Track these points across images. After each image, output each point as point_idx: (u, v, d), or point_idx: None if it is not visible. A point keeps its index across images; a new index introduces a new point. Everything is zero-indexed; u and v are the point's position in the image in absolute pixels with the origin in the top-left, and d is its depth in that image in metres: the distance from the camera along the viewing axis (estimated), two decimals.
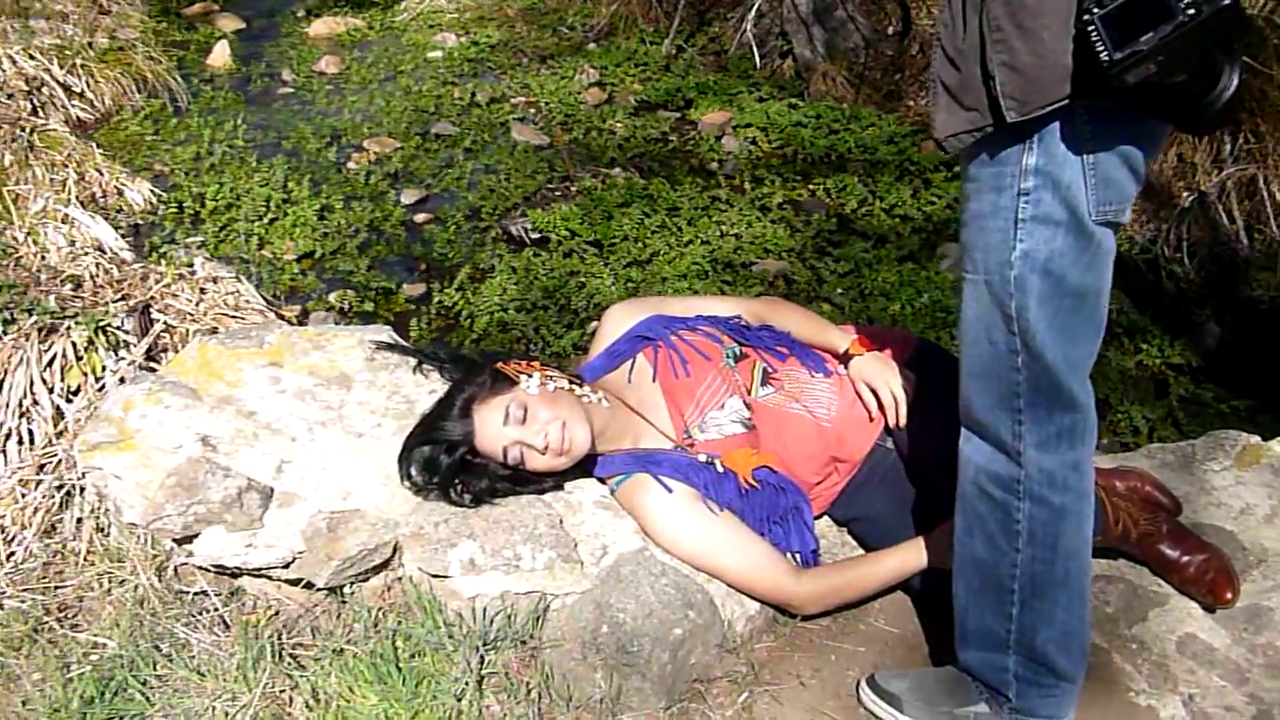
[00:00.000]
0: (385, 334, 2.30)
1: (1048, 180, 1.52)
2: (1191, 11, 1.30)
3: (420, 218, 4.67)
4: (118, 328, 2.71)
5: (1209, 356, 3.87)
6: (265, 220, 4.56)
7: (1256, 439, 2.46)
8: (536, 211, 4.57)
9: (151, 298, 3.61)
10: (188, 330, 3.50)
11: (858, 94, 5.66)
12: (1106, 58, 1.36)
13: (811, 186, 4.84)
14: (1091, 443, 1.68)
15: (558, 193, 4.81)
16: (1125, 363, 3.79)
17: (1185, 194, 4.44)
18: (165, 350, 3.10)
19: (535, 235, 4.45)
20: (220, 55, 6.44)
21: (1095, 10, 1.37)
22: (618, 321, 2.14)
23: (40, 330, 3.10)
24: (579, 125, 5.46)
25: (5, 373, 2.54)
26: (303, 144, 5.30)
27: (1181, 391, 3.67)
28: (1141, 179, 1.57)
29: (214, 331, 3.75)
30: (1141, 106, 1.46)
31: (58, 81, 5.51)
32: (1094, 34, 1.37)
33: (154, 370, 2.50)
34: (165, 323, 3.44)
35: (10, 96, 5.16)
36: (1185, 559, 2.06)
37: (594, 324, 3.89)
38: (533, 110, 5.65)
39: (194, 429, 2.00)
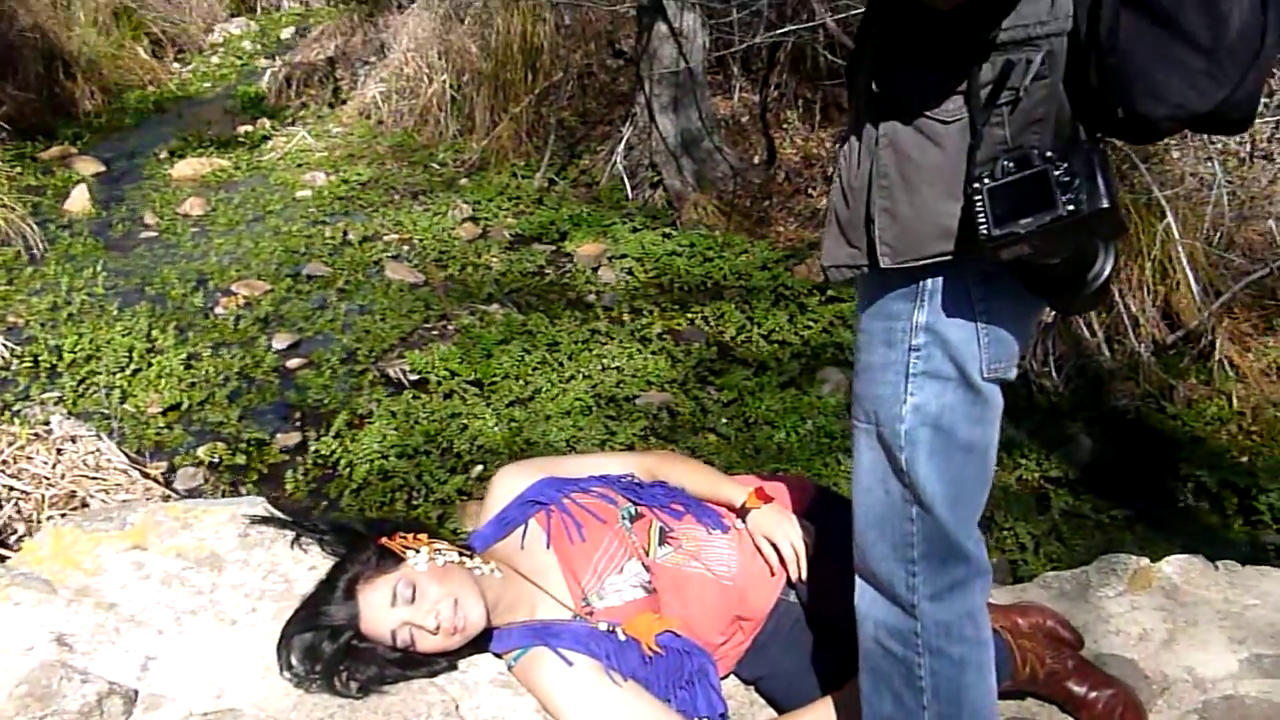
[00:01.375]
0: (259, 506, 2.17)
1: (937, 337, 1.53)
2: (1071, 208, 1.34)
3: (293, 363, 4.53)
4: None
5: (1084, 468, 3.97)
6: (128, 371, 4.38)
7: (1146, 561, 2.49)
8: (414, 352, 4.49)
9: (2, 463, 3.40)
10: (43, 496, 3.30)
11: (729, 221, 5.76)
12: (985, 231, 1.39)
13: (690, 315, 4.87)
14: (985, 591, 1.67)
15: (435, 332, 4.74)
16: (1006, 479, 3.86)
17: (1048, 310, 4.61)
18: (17, 525, 2.91)
19: (414, 377, 4.36)
20: (79, 200, 6.25)
21: (986, 181, 1.40)
22: (507, 486, 2.06)
23: None
24: (454, 261, 5.42)
25: None
26: (167, 290, 5.14)
27: (1062, 505, 3.74)
28: (1030, 336, 1.59)
29: (72, 495, 3.56)
30: (1018, 279, 1.49)
31: None
32: (979, 203, 1.39)
33: (2, 556, 2.32)
34: (20, 491, 3.24)
35: None
36: (1093, 695, 2.04)
37: (478, 467, 3.81)
38: (406, 248, 5.60)
39: (47, 627, 1.83)
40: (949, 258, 1.49)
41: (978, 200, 1.39)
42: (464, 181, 6.48)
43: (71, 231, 5.87)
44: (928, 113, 1.46)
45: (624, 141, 6.19)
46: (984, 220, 1.38)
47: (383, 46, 8.27)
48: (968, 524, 1.61)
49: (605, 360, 4.47)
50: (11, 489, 3.25)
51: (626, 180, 6.11)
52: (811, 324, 4.77)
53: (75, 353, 4.49)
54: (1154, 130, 1.40)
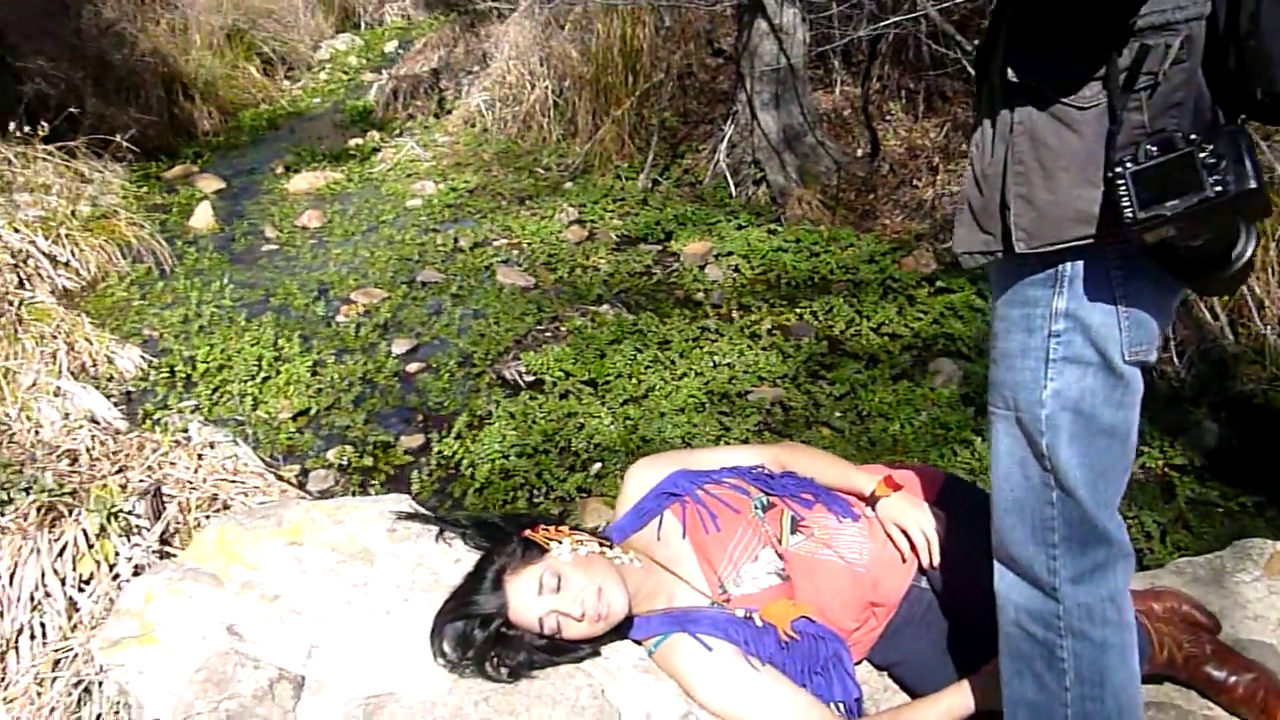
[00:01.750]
0: (405, 503, 2.27)
1: (1078, 322, 1.54)
2: (1219, 189, 1.34)
3: (413, 367, 4.68)
4: (129, 512, 2.67)
5: (1210, 455, 3.88)
6: (258, 379, 4.56)
7: None
8: (529, 354, 4.59)
9: (149, 468, 3.59)
10: (188, 499, 3.47)
11: (834, 216, 5.76)
12: (1130, 214, 1.40)
13: (798, 310, 4.90)
14: (1127, 574, 1.67)
15: (548, 333, 4.84)
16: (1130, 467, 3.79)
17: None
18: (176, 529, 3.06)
19: (529, 378, 4.47)
20: (202, 216, 6.52)
21: (1128, 165, 1.41)
22: (641, 479, 2.13)
23: (39, 509, 3.07)
24: (563, 264, 5.52)
25: (15, 565, 2.50)
26: (290, 300, 5.34)
27: (1188, 492, 3.68)
28: (1169, 318, 1.60)
29: (214, 499, 3.73)
30: (1158, 262, 1.50)
31: (43, 253, 5.55)
32: (1122, 187, 1.41)
33: (168, 553, 2.46)
34: (167, 495, 3.41)
35: None
36: (1233, 679, 2.03)
37: (596, 465, 3.89)
38: (516, 252, 5.73)
39: (218, 617, 1.95)
40: (1087, 242, 1.51)
41: (1120, 184, 1.41)
42: (569, 185, 6.59)
43: (197, 247, 6.12)
44: (1064, 99, 1.48)
45: (726, 139, 6.22)
46: (1128, 204, 1.40)
47: (485, 56, 8.45)
48: (1109, 507, 1.62)
49: (716, 357, 4.52)
50: (170, 502, 3.42)
51: (730, 178, 6.15)
52: (921, 316, 4.75)
53: (208, 363, 4.70)
54: None
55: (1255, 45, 1.35)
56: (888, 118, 6.51)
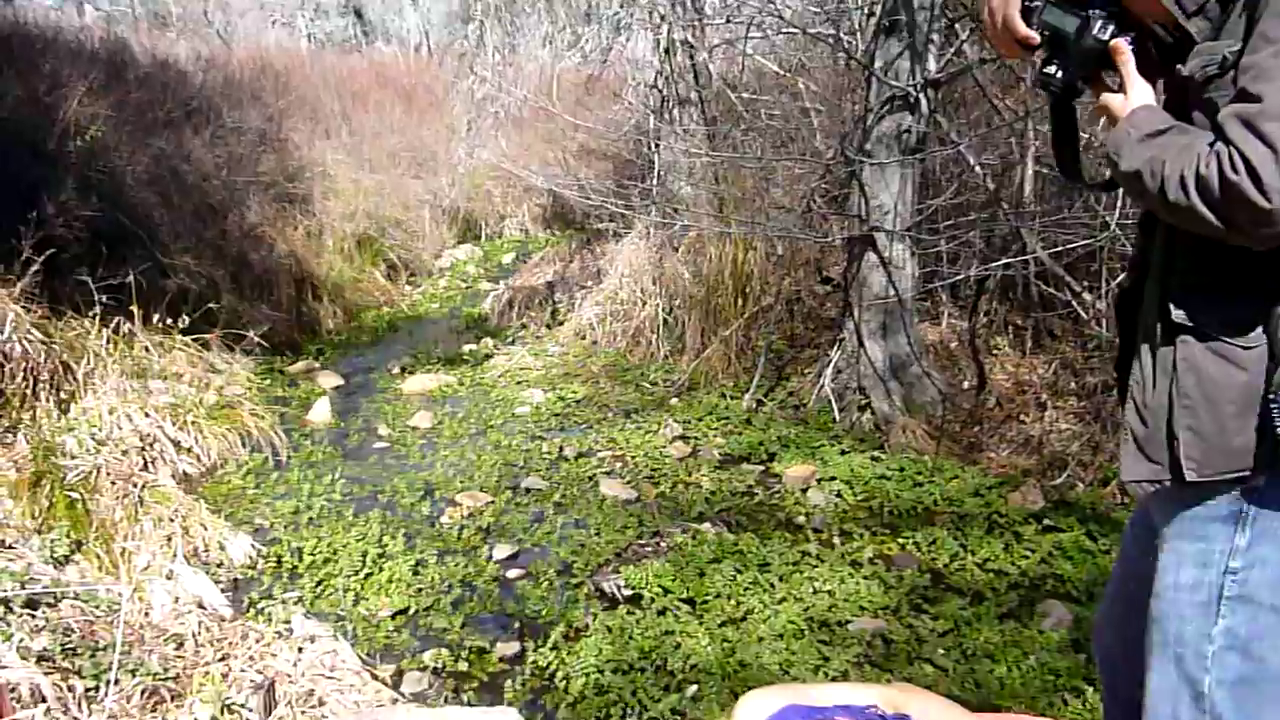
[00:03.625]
0: (511, 715, 2.27)
1: (1256, 560, 1.56)
2: None
3: (513, 573, 4.70)
4: (242, 705, 2.70)
5: None
6: (361, 575, 4.62)
7: None
8: (628, 568, 4.59)
9: (251, 658, 3.63)
10: (287, 693, 3.49)
11: (938, 447, 5.75)
12: None
13: (901, 540, 4.83)
14: None
15: (648, 548, 4.85)
16: None
17: None
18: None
19: (628, 592, 4.45)
20: (321, 411, 6.77)
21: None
22: (753, 710, 2.10)
23: (144, 692, 3.12)
24: (665, 479, 5.57)
25: None
26: (397, 497, 5.46)
27: None
28: None
29: (310, 693, 3.74)
30: None
31: (169, 438, 5.80)
32: (1276, 414, 1.47)
33: None
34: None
35: (125, 453, 5.42)
36: None
37: (691, 687, 3.82)
38: (619, 464, 5.80)
39: None
40: (1256, 475, 1.55)
41: (1275, 410, 1.47)
42: (674, 401, 6.71)
43: (313, 440, 6.34)
44: (1228, 339, 1.56)
45: (832, 365, 6.31)
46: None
47: (599, 272, 8.79)
48: None
49: (816, 583, 4.46)
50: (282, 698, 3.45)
51: (834, 403, 6.20)
52: (1029, 554, 4.65)
53: (314, 555, 4.79)
54: None
55: None
56: (995, 352, 6.56)
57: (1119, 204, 5.33)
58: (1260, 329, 1.57)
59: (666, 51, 8.34)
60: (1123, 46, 1.73)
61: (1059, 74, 1.82)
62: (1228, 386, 1.59)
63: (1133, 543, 2.01)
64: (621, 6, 9.31)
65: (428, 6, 27.62)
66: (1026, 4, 1.81)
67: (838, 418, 6.17)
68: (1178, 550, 1.65)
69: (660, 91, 8.62)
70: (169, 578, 4.43)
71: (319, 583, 4.58)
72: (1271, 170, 1.41)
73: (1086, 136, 3.96)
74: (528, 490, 5.53)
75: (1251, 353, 1.57)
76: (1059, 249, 5.65)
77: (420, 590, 4.54)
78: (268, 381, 7.38)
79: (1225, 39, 1.58)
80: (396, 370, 7.82)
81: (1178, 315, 1.66)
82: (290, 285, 8.91)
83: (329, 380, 7.57)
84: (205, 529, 4.91)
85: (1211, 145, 1.50)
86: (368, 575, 4.64)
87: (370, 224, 10.81)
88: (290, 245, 9.25)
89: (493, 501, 5.38)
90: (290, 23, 29.79)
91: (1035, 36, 1.81)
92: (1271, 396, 1.52)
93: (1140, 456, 1.70)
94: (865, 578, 4.52)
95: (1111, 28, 1.74)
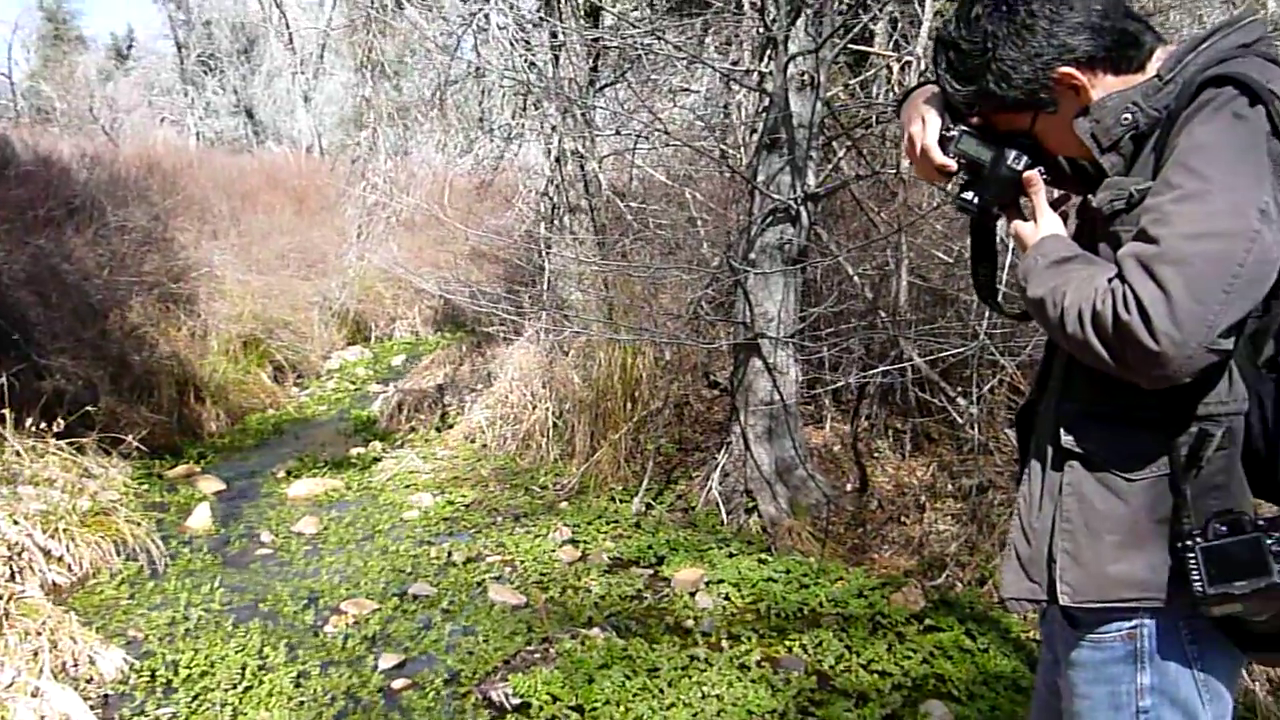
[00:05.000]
0: None
1: (1164, 697, 1.63)
2: None
3: (398, 684, 4.61)
4: None
5: None
6: (240, 689, 4.48)
7: None
8: (517, 676, 4.55)
9: None
10: None
11: (824, 548, 5.86)
12: (1200, 589, 1.53)
13: (788, 643, 4.89)
14: None
15: (537, 655, 4.81)
16: None
17: None
18: None
19: (516, 701, 4.40)
20: (201, 517, 6.60)
21: (1198, 540, 1.55)
22: None
23: None
24: (555, 584, 5.56)
25: None
26: (280, 606, 5.33)
27: None
28: (1236, 687, 1.69)
29: None
30: (1222, 631, 1.62)
31: (39, 546, 5.58)
32: (1192, 561, 1.54)
33: None
34: None
35: None
36: None
37: None
38: (509, 569, 5.77)
39: None
40: (1135, 604, 1.63)
41: (1190, 558, 1.54)
42: (564, 505, 6.72)
43: (192, 547, 6.17)
44: (1115, 470, 1.65)
45: (719, 468, 6.41)
46: (1198, 578, 1.53)
47: (489, 375, 8.82)
48: None
49: (705, 688, 4.48)
50: None
51: (722, 506, 6.29)
52: (911, 654, 4.75)
53: (191, 668, 4.64)
54: None
55: None
56: (876, 455, 6.75)
57: (988, 314, 5.59)
58: (1152, 463, 1.63)
59: (557, 160, 8.54)
60: (1035, 178, 1.81)
61: (975, 200, 1.90)
62: (1109, 516, 1.65)
63: (1048, 649, 2.04)
64: (514, 116, 9.51)
65: (320, 108, 27.73)
66: (944, 133, 1.88)
67: (725, 520, 6.25)
68: (1090, 696, 1.71)
69: (551, 199, 8.80)
70: (35, 695, 4.25)
71: (195, 697, 4.43)
72: (1163, 313, 1.45)
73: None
74: (415, 597, 5.45)
75: (1135, 485, 1.63)
76: (934, 357, 5.89)
77: (302, 704, 4.42)
78: (146, 487, 7.18)
79: (1135, 176, 1.67)
80: (281, 474, 7.69)
81: (1067, 441, 1.72)
82: (172, 387, 8.73)
83: (210, 485, 7.40)
84: (75, 642, 4.72)
85: (1110, 281, 1.55)
86: (247, 689, 4.50)
87: (257, 325, 10.69)
88: (173, 346, 9.09)
89: (379, 609, 5.29)
90: (179, 121, 29.58)
91: (952, 164, 1.87)
92: (1183, 545, 1.56)
93: (1021, 574, 1.77)
94: (753, 681, 4.55)
95: (1025, 159, 1.82)
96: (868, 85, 7.07)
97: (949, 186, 1.96)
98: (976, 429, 5.82)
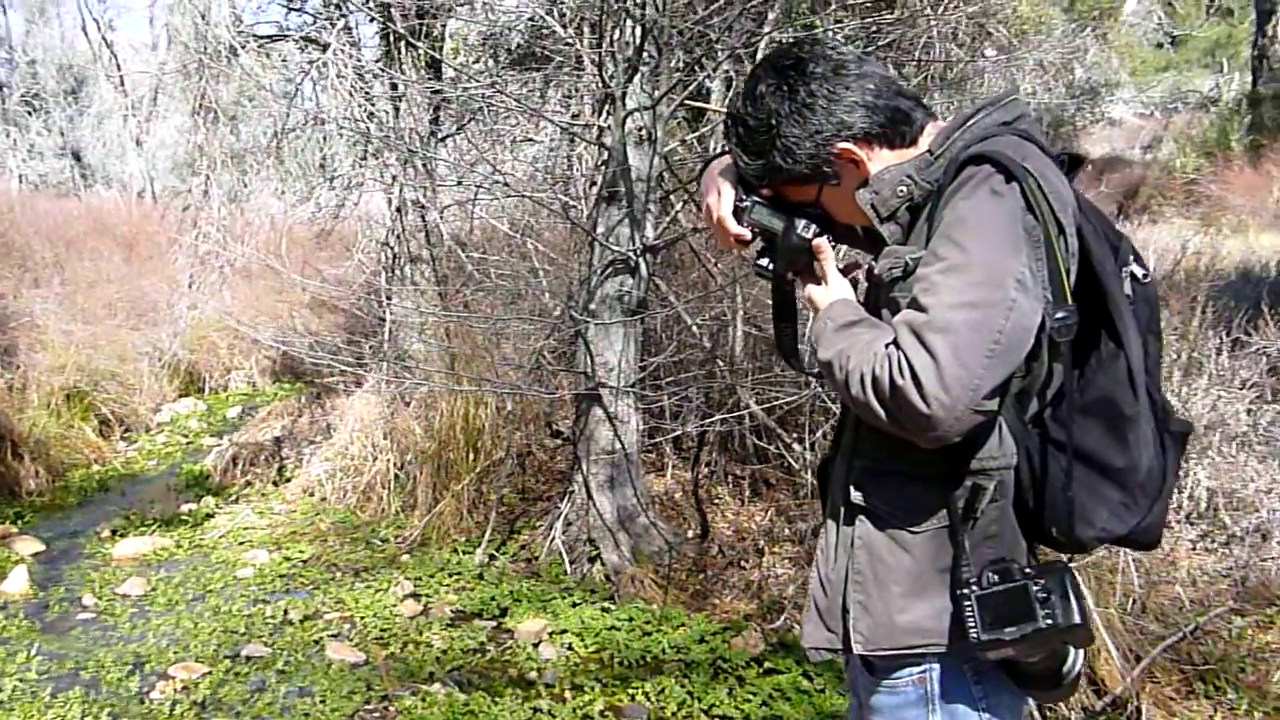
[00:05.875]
0: None
1: None
2: (1049, 622, 1.60)
3: None
4: None
5: None
6: None
7: None
8: None
9: None
10: None
11: (666, 595, 5.92)
12: (975, 635, 1.64)
13: (631, 690, 4.92)
14: None
15: (376, 714, 4.72)
16: None
17: None
18: None
19: None
20: (16, 580, 6.26)
21: (974, 588, 1.66)
22: None
23: None
24: (395, 639, 5.47)
25: None
26: (102, 673, 5.09)
27: None
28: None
29: None
30: (1007, 675, 1.73)
31: None
32: (968, 608, 1.65)
33: None
34: None
35: None
36: None
37: None
38: (348, 626, 5.65)
39: None
40: (925, 650, 1.73)
41: (967, 606, 1.65)
42: (405, 558, 6.62)
43: (7, 613, 5.84)
44: (899, 523, 1.75)
45: (562, 518, 6.43)
46: (974, 624, 1.64)
47: (329, 427, 8.63)
48: None
49: None
50: None
51: (565, 555, 6.29)
52: (751, 696, 4.83)
53: None
54: (1082, 547, 1.71)
55: (1049, 494, 1.68)
56: (716, 502, 6.88)
57: None
58: (933, 516, 1.73)
59: (398, 210, 8.49)
60: (823, 245, 1.91)
61: (769, 266, 2.00)
62: (895, 568, 1.74)
63: (854, 695, 2.11)
64: (354, 165, 9.43)
65: (152, 153, 26.85)
66: (738, 204, 1.97)
67: (569, 570, 6.26)
68: None
69: (392, 249, 8.73)
70: None
71: None
72: (932, 378, 1.53)
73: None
74: (249, 658, 5.28)
75: (918, 537, 1.74)
76: (770, 404, 6.06)
77: None
78: None
79: (911, 244, 1.78)
80: (106, 533, 7.35)
81: (855, 496, 1.82)
82: None
83: (28, 546, 7.01)
84: None
85: (888, 347, 1.63)
86: None
87: (82, 377, 10.20)
88: None
89: (210, 672, 5.10)
90: (0, 163, 28.19)
91: (746, 234, 1.98)
92: (961, 593, 1.65)
93: (820, 624, 1.87)
94: None
95: (814, 228, 1.92)
96: (704, 140, 7.26)
97: (747, 253, 2.06)
98: (810, 474, 5.99)
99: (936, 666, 1.74)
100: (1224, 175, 20.86)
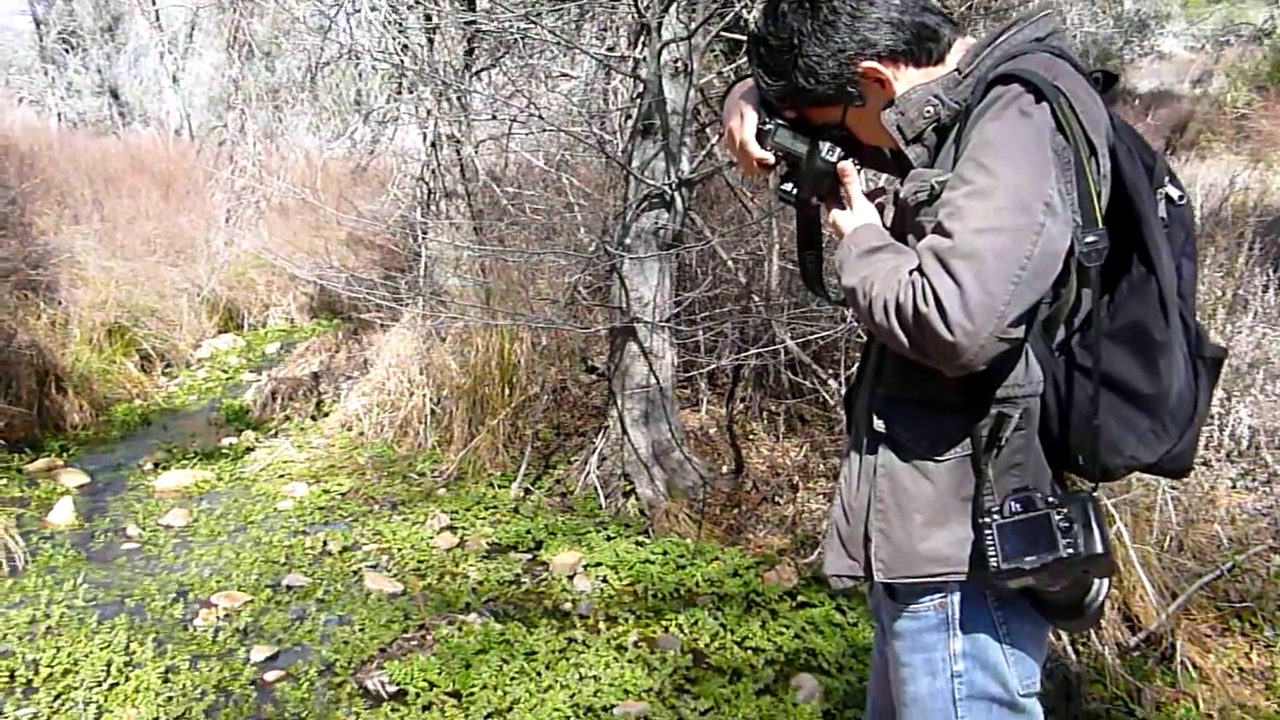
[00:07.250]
0: None
1: (976, 661, 1.72)
2: (1070, 551, 1.57)
3: (271, 676, 4.54)
4: None
5: None
6: (105, 686, 4.37)
7: None
8: (393, 663, 4.53)
9: None
10: None
11: (700, 529, 5.95)
12: (995, 563, 1.62)
13: (664, 623, 4.96)
14: None
15: (414, 642, 4.79)
16: None
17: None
18: None
19: (392, 688, 4.39)
20: (63, 512, 6.38)
21: (995, 517, 1.64)
22: None
23: None
24: (432, 571, 5.54)
25: None
26: (147, 601, 5.20)
27: None
28: (1045, 650, 1.79)
29: None
30: (1029, 602, 1.72)
31: None
32: (989, 537, 1.63)
33: None
34: None
35: None
36: None
37: None
38: (385, 557, 5.73)
39: None
40: (950, 579, 1.72)
41: (988, 535, 1.63)
42: (442, 492, 6.68)
43: (54, 543, 5.97)
44: (922, 452, 1.73)
45: (597, 453, 6.45)
46: (994, 553, 1.62)
47: (365, 362, 8.69)
48: None
49: (582, 669, 4.52)
50: None
51: (600, 490, 6.33)
52: (784, 630, 4.86)
53: (52, 667, 4.50)
54: (1110, 475, 1.66)
55: (1076, 420, 1.64)
56: (751, 437, 6.87)
57: None
58: (956, 445, 1.71)
59: (433, 145, 8.45)
60: (848, 169, 1.87)
61: (793, 191, 1.95)
62: (917, 497, 1.73)
63: (878, 621, 2.13)
64: (388, 100, 9.37)
65: (189, 89, 26.87)
66: (761, 127, 1.93)
67: (604, 504, 6.30)
68: (910, 664, 1.81)
69: (427, 184, 8.70)
70: None
71: (57, 696, 4.30)
72: (957, 306, 1.50)
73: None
74: (289, 588, 5.37)
75: (940, 466, 1.71)
76: (805, 339, 6.02)
77: (171, 699, 4.32)
78: (3, 481, 6.90)
79: (938, 167, 1.72)
80: (149, 466, 7.47)
81: (878, 425, 1.80)
82: (31, 378, 8.37)
83: (73, 479, 7.15)
84: None
85: (911, 273, 1.59)
86: (113, 686, 4.38)
87: (122, 313, 10.31)
88: (32, 335, 8.71)
89: (251, 601, 5.20)
90: (39, 101, 28.33)
91: (770, 158, 1.93)
92: (983, 521, 1.63)
93: (842, 552, 1.86)
94: (630, 661, 4.62)
95: (839, 151, 1.87)
96: (741, 72, 7.16)
97: (770, 178, 2.02)
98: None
99: (958, 593, 1.73)
100: (1275, 110, 20.32)
